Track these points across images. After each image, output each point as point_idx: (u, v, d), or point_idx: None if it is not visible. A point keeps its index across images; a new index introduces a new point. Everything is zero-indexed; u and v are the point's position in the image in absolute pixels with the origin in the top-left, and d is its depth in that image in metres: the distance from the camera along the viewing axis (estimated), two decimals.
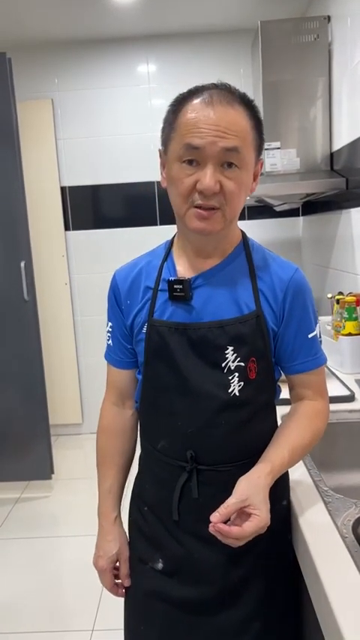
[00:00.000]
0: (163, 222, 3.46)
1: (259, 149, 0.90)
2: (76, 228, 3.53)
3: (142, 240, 3.63)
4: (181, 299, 0.92)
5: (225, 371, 0.91)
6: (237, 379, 0.91)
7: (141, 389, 1.01)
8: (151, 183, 3.46)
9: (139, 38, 3.31)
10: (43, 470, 2.90)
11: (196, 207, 0.85)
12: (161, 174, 0.93)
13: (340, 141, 2.42)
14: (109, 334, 1.05)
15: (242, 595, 0.95)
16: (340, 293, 2.13)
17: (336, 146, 2.50)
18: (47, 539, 2.50)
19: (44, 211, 3.48)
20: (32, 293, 2.78)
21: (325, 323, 2.09)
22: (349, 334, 1.81)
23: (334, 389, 1.57)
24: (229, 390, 0.91)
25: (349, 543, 0.84)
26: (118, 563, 1.06)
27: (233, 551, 0.87)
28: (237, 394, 0.91)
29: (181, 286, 0.91)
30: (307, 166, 2.54)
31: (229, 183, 0.84)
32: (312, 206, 3.09)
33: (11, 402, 2.84)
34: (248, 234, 1.01)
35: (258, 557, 0.95)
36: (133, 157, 3.44)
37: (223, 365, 0.91)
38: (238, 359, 0.90)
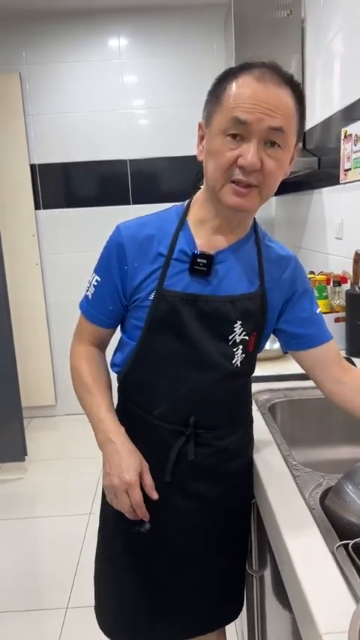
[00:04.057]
0: (136, 202, 3.41)
1: (300, 134, 0.90)
2: (47, 207, 3.46)
3: (114, 220, 3.59)
4: (202, 274, 0.93)
5: (230, 343, 0.96)
6: (240, 351, 0.97)
7: (134, 355, 0.99)
8: (123, 162, 3.40)
9: (109, 11, 3.21)
10: (16, 451, 2.88)
11: (234, 182, 0.85)
12: (198, 146, 0.92)
13: (313, 119, 2.42)
14: (92, 287, 1.00)
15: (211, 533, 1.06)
16: (312, 272, 2.15)
17: (309, 125, 2.49)
18: (21, 520, 2.50)
19: (13, 190, 3.39)
20: (1, 273, 2.71)
21: None
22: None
23: None
24: (233, 362, 0.97)
25: (316, 515, 0.86)
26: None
27: (206, 500, 1.02)
28: (239, 365, 0.98)
29: (205, 261, 0.92)
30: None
31: (270, 162, 0.84)
32: (284, 186, 3.08)
33: None
34: None
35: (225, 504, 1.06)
36: (104, 135, 3.37)
37: (230, 337, 0.96)
38: (244, 333, 0.96)
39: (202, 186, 0.97)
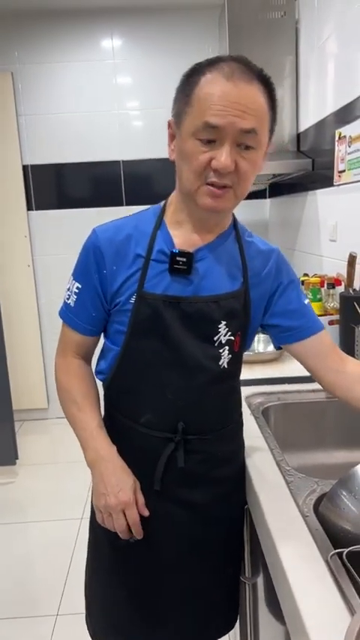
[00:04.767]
0: (130, 203, 3.39)
1: (272, 129, 0.89)
2: (40, 208, 3.43)
3: (107, 221, 3.61)
4: (182, 272, 0.91)
5: (216, 344, 0.94)
6: (227, 352, 0.95)
7: (118, 361, 0.96)
8: (116, 163, 3.38)
9: (103, 11, 3.20)
10: (7, 455, 2.84)
11: (209, 184, 0.84)
12: (169, 146, 0.91)
13: (307, 121, 2.41)
14: (74, 295, 0.97)
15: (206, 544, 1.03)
16: (306, 274, 2.13)
17: (302, 127, 2.49)
18: (11, 525, 2.46)
19: (5, 190, 3.35)
20: None
21: None
22: None
23: (297, 369, 1.57)
24: (220, 363, 0.95)
25: (310, 522, 0.84)
26: None
27: (197, 507, 0.99)
28: (226, 366, 0.96)
29: (184, 259, 0.90)
30: (274, 147, 2.51)
31: (244, 163, 0.83)
32: (278, 188, 3.08)
33: None
34: None
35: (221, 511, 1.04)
36: (98, 135, 3.34)
37: (215, 338, 0.93)
38: (229, 333, 0.94)
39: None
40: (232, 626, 1.14)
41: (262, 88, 0.83)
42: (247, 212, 3.43)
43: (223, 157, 0.81)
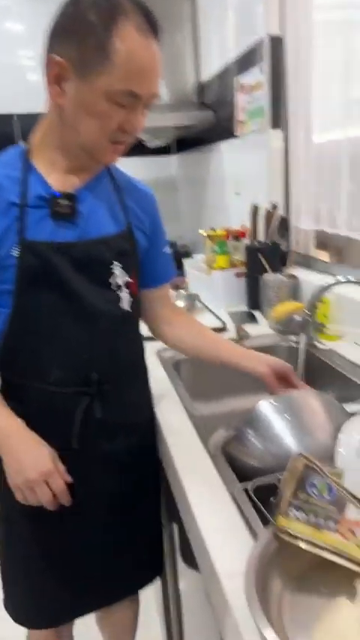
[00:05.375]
0: None
1: None
2: None
3: None
4: (67, 216, 0.87)
5: (113, 287, 0.92)
6: (126, 295, 0.94)
7: (10, 323, 0.88)
8: (9, 117, 3.13)
9: None
10: None
11: (114, 142, 0.84)
12: (51, 85, 0.81)
13: (209, 71, 2.36)
14: None
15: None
16: (212, 229, 2.13)
17: (205, 77, 2.43)
18: None
19: None
20: None
21: (199, 260, 2.10)
22: (221, 268, 1.82)
23: (207, 321, 1.58)
24: (120, 305, 0.93)
25: (218, 461, 0.85)
26: None
27: (116, 459, 0.99)
28: (126, 309, 0.94)
29: (67, 202, 0.86)
30: (176, 98, 2.45)
31: (143, 120, 0.85)
32: (184, 143, 3.03)
33: None
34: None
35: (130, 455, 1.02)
36: None
37: (110, 280, 0.91)
38: (124, 274, 0.93)
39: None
40: (160, 570, 1.16)
41: (157, 39, 0.80)
42: (152, 169, 3.35)
43: (140, 121, 0.82)
